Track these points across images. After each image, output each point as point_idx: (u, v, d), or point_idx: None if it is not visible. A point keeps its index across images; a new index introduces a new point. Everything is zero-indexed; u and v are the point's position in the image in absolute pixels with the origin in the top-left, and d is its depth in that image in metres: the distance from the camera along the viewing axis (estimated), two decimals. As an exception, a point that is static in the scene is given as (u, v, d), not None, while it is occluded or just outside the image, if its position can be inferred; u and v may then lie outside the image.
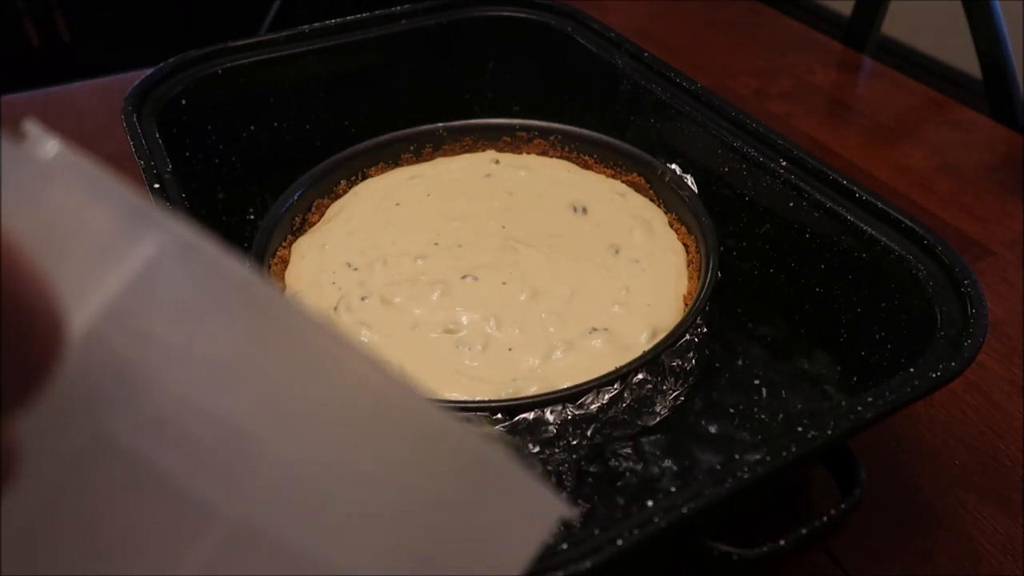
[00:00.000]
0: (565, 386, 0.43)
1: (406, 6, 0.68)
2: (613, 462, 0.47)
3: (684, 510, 0.33)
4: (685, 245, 0.54)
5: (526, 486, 0.18)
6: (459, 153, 0.63)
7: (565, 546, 0.31)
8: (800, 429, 0.36)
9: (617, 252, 0.53)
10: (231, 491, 0.16)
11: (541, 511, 0.18)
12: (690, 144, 0.58)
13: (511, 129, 0.62)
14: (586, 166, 0.61)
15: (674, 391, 0.48)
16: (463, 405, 0.43)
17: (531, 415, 0.43)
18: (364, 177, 0.61)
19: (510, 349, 0.47)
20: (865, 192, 0.48)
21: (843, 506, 0.37)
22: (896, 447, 0.51)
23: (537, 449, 0.44)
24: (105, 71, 0.86)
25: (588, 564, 0.30)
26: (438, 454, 0.17)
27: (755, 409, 0.50)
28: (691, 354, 0.48)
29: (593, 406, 0.44)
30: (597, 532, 0.31)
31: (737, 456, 0.35)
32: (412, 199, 0.58)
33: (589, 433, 0.45)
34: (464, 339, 0.47)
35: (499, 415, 0.42)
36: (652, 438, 0.48)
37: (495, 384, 0.45)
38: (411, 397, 0.17)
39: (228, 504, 0.16)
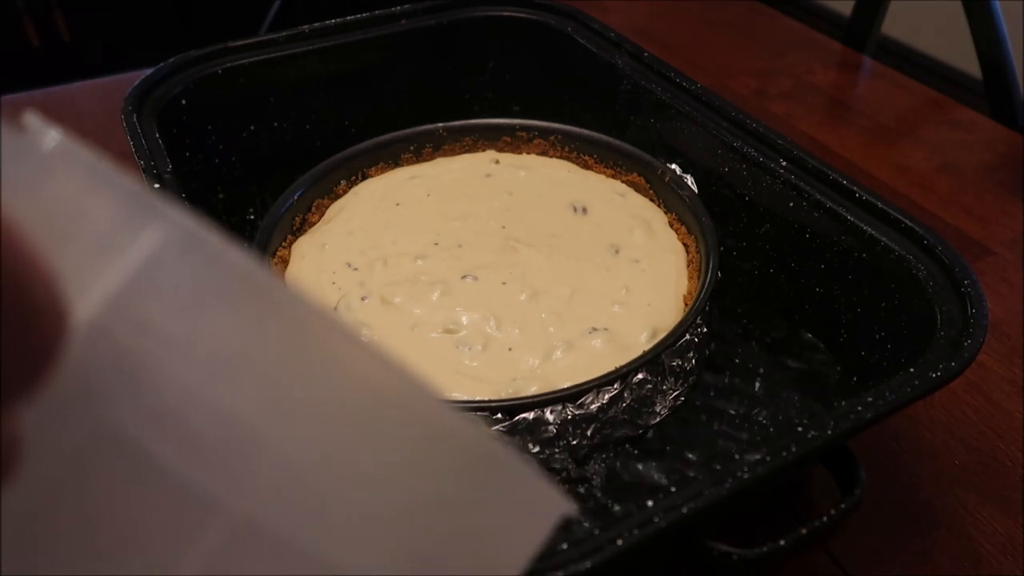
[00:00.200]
0: (565, 386, 0.43)
1: (406, 6, 0.68)
2: (613, 462, 0.47)
3: (684, 510, 0.33)
4: (685, 245, 0.54)
5: (529, 483, 0.18)
6: (459, 153, 0.63)
7: (565, 546, 0.31)
8: (800, 429, 0.36)
9: (617, 252, 0.53)
10: (233, 487, 0.16)
11: (543, 508, 0.18)
12: (690, 144, 0.58)
13: (511, 129, 0.62)
14: (586, 166, 0.61)
15: (674, 391, 0.48)
16: (463, 405, 0.43)
17: (531, 415, 0.43)
18: (364, 177, 0.61)
19: (510, 349, 0.47)
20: (865, 192, 0.48)
21: (843, 506, 0.37)
22: (896, 447, 0.51)
23: (537, 449, 0.44)
24: (105, 71, 0.86)
25: (588, 564, 0.30)
26: (441, 452, 0.17)
27: (755, 409, 0.50)
28: (691, 354, 0.48)
29: (593, 406, 0.44)
30: (597, 532, 0.31)
31: (737, 456, 0.35)
32: (412, 199, 0.58)
33: (589, 433, 0.45)
34: (464, 339, 0.47)
35: (499, 415, 0.42)
36: (652, 438, 0.48)
37: (495, 384, 0.45)
38: (414, 393, 0.17)
39: (230, 500, 0.16)
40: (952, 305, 0.42)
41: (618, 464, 0.47)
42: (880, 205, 0.47)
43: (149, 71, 0.58)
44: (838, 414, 0.37)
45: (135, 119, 0.54)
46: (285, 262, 0.54)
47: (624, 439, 0.47)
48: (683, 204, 0.55)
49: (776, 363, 0.53)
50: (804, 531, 0.36)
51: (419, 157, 0.62)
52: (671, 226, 0.56)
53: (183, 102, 0.59)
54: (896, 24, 1.67)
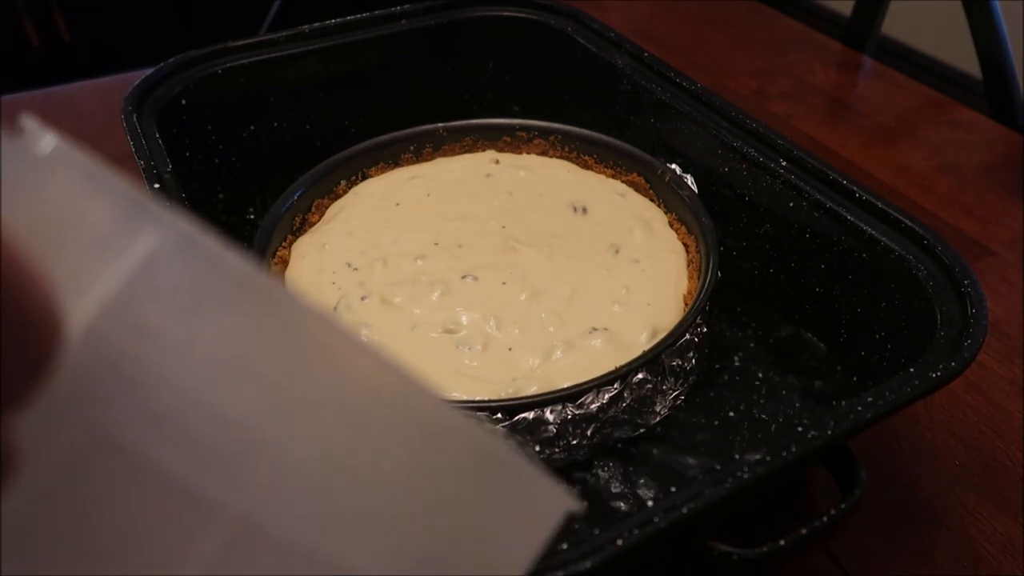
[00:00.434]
0: (565, 386, 0.43)
1: (406, 6, 0.68)
2: (613, 462, 0.47)
3: (684, 510, 0.33)
4: (685, 245, 0.54)
5: (532, 480, 0.18)
6: (459, 153, 0.63)
7: (565, 546, 0.31)
8: (800, 429, 0.36)
9: (617, 252, 0.53)
10: (232, 488, 0.16)
11: (547, 506, 0.18)
12: (690, 144, 0.58)
13: (511, 129, 0.62)
14: (586, 166, 0.61)
15: (674, 391, 0.48)
16: (463, 405, 0.43)
17: (531, 415, 0.43)
18: (364, 177, 0.61)
19: (510, 349, 0.47)
20: (865, 192, 0.48)
21: (843, 506, 0.37)
22: (896, 447, 0.51)
23: (537, 449, 0.44)
24: (105, 71, 0.86)
25: (588, 564, 0.30)
26: (440, 451, 0.17)
27: (755, 409, 0.50)
28: (691, 354, 0.48)
29: (593, 406, 0.44)
30: (597, 532, 0.31)
31: (737, 456, 0.35)
32: (412, 199, 0.58)
33: (589, 433, 0.45)
34: (464, 339, 0.47)
35: (499, 415, 0.42)
36: (652, 438, 0.48)
37: (495, 384, 0.45)
38: (413, 393, 0.17)
39: (230, 501, 0.16)
40: (952, 305, 0.42)
41: (618, 464, 0.47)
42: (880, 205, 0.47)
43: (149, 71, 0.58)
44: (838, 414, 0.37)
45: (135, 119, 0.54)
46: (285, 262, 0.54)
47: (624, 439, 0.47)
48: (683, 204, 0.55)
49: (776, 363, 0.53)
50: (804, 531, 0.36)
51: (419, 157, 0.62)
52: (671, 226, 0.56)
53: (183, 102, 0.59)
54: (896, 24, 1.67)
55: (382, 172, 0.61)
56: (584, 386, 0.43)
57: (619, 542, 0.31)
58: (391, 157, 0.61)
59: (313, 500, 0.17)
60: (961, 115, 0.83)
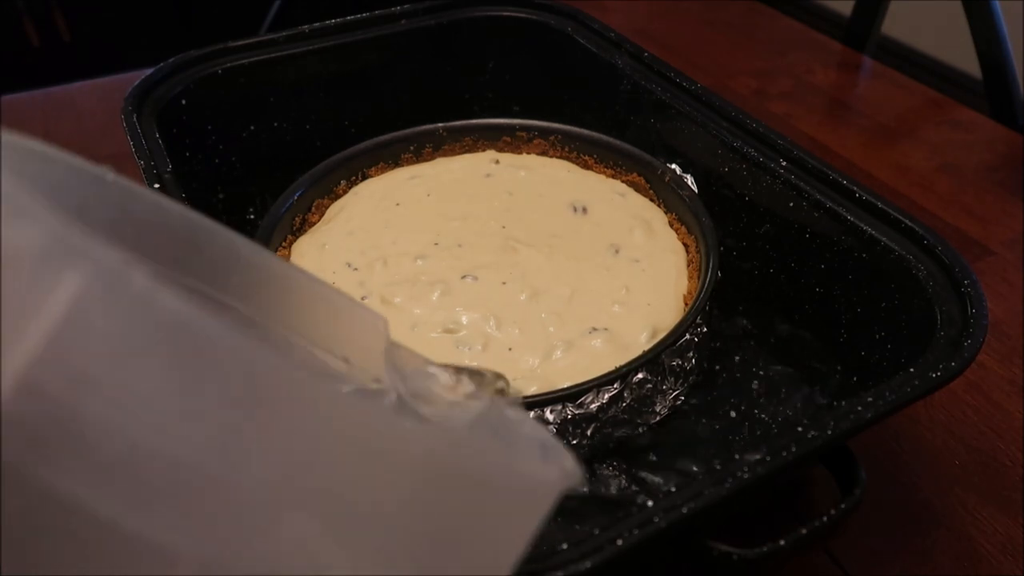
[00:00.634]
0: (565, 386, 0.43)
1: (406, 6, 0.68)
2: (612, 462, 0.47)
3: (684, 510, 0.33)
4: (685, 245, 0.54)
5: (509, 478, 0.17)
6: (459, 153, 0.63)
7: (565, 546, 0.31)
8: (800, 429, 0.36)
9: (617, 252, 0.53)
10: (189, 534, 0.16)
11: (528, 502, 0.18)
12: (690, 144, 0.58)
13: (511, 129, 0.62)
14: (586, 166, 0.61)
15: (674, 391, 0.48)
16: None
17: (531, 415, 0.43)
18: (364, 177, 0.61)
19: (510, 349, 0.47)
20: (865, 192, 0.48)
21: (843, 506, 0.37)
22: (896, 447, 0.51)
23: (537, 449, 0.44)
24: (105, 71, 0.86)
25: (588, 564, 0.30)
26: (398, 462, 0.17)
27: (755, 409, 0.50)
28: (691, 354, 0.48)
29: (593, 406, 0.44)
30: (597, 532, 0.31)
31: (737, 456, 0.35)
32: (412, 199, 0.58)
33: (589, 433, 0.45)
34: (464, 339, 0.47)
35: (499, 415, 0.42)
36: (652, 438, 0.48)
37: (495, 384, 0.45)
38: (364, 411, 0.17)
39: (190, 547, 0.16)
40: (952, 305, 0.42)
41: (618, 464, 0.47)
42: (880, 205, 0.47)
43: (149, 71, 0.58)
44: (838, 414, 0.37)
45: (135, 119, 0.54)
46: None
47: (624, 439, 0.47)
48: (683, 204, 0.55)
49: (776, 363, 0.53)
50: (804, 531, 0.36)
51: (419, 157, 0.62)
52: (671, 226, 0.56)
53: (183, 102, 0.59)
54: (896, 24, 1.67)
55: (382, 172, 0.61)
56: (584, 386, 0.43)
57: (619, 542, 0.31)
58: (391, 157, 0.61)
59: (276, 534, 0.16)
60: (961, 115, 0.83)
